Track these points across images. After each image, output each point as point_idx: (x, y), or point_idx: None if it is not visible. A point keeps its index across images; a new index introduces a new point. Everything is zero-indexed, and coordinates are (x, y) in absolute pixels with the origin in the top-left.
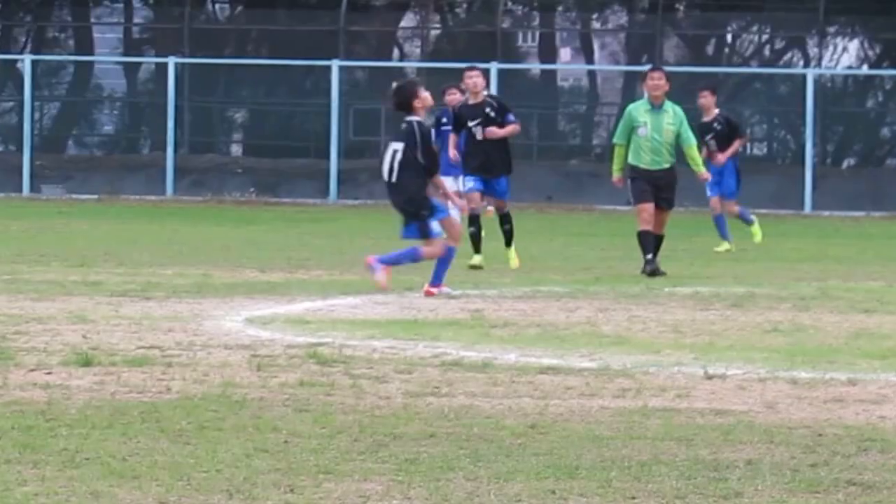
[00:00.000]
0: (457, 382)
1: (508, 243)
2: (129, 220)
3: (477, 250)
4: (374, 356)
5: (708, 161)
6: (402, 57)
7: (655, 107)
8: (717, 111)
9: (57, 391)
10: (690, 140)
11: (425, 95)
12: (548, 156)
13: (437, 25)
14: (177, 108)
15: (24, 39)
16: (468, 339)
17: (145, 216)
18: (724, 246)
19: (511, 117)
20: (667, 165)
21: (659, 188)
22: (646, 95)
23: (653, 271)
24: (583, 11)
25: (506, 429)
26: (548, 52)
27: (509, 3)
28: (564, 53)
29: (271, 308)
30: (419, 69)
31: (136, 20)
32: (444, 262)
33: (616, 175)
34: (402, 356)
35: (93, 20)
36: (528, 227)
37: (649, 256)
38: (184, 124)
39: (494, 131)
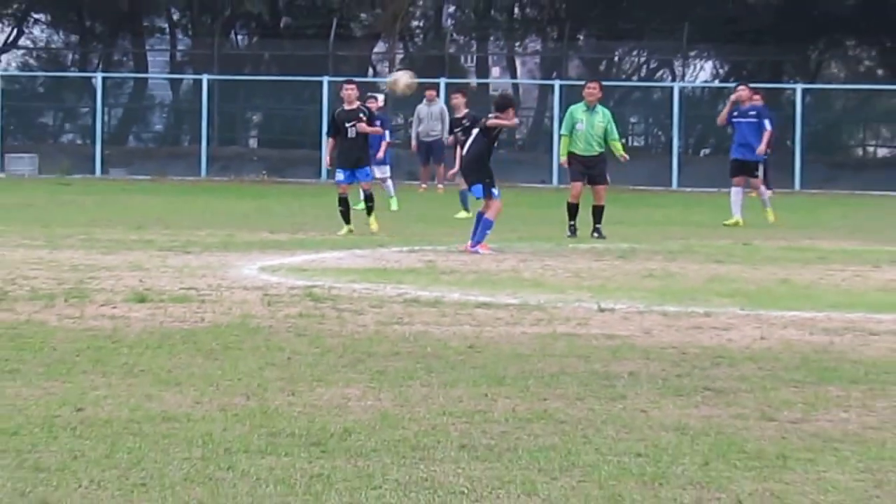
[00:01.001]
0: (415, 314)
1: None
2: (173, 195)
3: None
4: (354, 295)
5: None
6: (375, 74)
7: (590, 108)
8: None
9: (120, 321)
10: (614, 134)
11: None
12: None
13: (401, 51)
14: (209, 112)
15: (96, 62)
16: (423, 282)
17: (186, 193)
18: None
19: (377, 122)
20: (596, 153)
21: (590, 168)
22: (584, 100)
23: (573, 233)
24: (509, 39)
25: (451, 349)
26: (482, 70)
27: (454, 34)
28: (495, 71)
29: (278, 260)
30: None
31: (179, 47)
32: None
33: (563, 158)
34: (375, 295)
35: (147, 47)
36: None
37: (572, 223)
38: (214, 124)
39: (363, 128)
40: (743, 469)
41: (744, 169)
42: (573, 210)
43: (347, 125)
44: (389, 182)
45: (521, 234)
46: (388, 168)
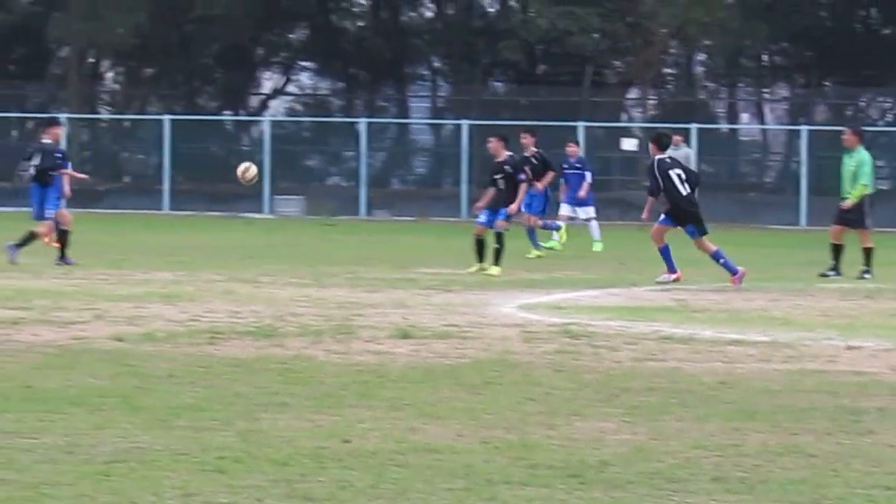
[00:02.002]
0: (668, 351)
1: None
2: (434, 235)
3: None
4: (609, 332)
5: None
6: (629, 119)
7: (849, 153)
8: (534, 150)
9: (385, 356)
10: (859, 178)
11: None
12: (732, 190)
13: (653, 97)
14: (469, 155)
15: (360, 107)
16: (676, 320)
17: (446, 233)
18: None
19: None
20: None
21: (846, 211)
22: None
23: (832, 273)
24: (757, 86)
25: (703, 384)
26: (732, 115)
27: (704, 81)
28: (744, 116)
29: (536, 298)
30: (640, 128)
31: (439, 93)
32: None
33: (849, 202)
34: (629, 332)
35: (409, 93)
36: (717, 240)
37: (833, 263)
38: (473, 167)
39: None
40: None
41: None
42: (835, 251)
43: (496, 177)
44: (594, 223)
45: (769, 273)
46: (592, 209)
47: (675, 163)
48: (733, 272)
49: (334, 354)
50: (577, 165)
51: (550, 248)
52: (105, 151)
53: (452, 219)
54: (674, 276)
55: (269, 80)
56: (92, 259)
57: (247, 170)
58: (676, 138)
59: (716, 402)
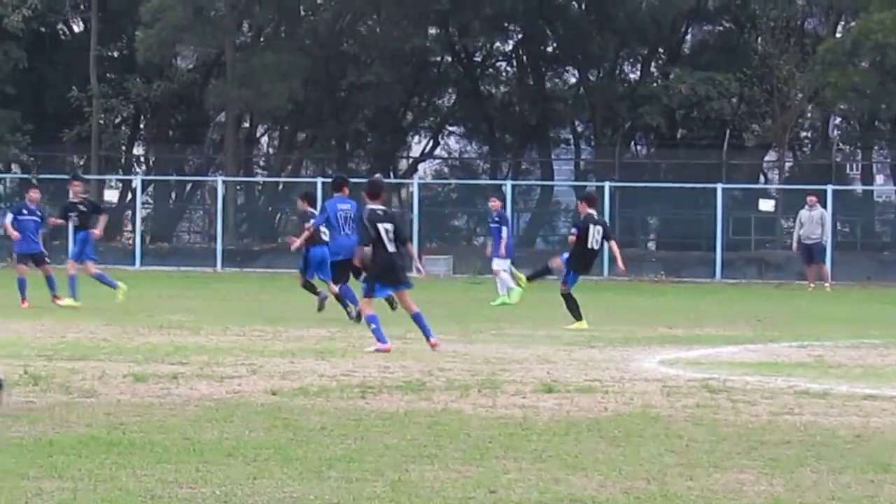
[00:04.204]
0: (805, 405)
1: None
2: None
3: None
4: (747, 387)
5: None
6: (766, 181)
7: None
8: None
9: (529, 410)
10: None
11: None
12: (867, 249)
13: (790, 159)
14: (611, 216)
15: (505, 170)
16: (812, 375)
17: (590, 291)
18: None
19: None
20: None
21: None
22: None
23: None
24: (892, 148)
25: (839, 437)
26: (867, 177)
27: (840, 143)
28: (879, 178)
29: (676, 353)
30: (777, 190)
31: (582, 156)
32: None
33: None
34: (767, 387)
35: (552, 156)
36: (853, 298)
37: None
38: (615, 229)
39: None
40: None
41: None
42: None
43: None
44: (503, 275)
45: None
46: (505, 262)
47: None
48: (381, 341)
49: (480, 408)
50: (496, 220)
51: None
52: (260, 213)
53: (595, 278)
54: None
55: (417, 144)
56: (248, 317)
57: None
58: (811, 199)
59: (851, 454)
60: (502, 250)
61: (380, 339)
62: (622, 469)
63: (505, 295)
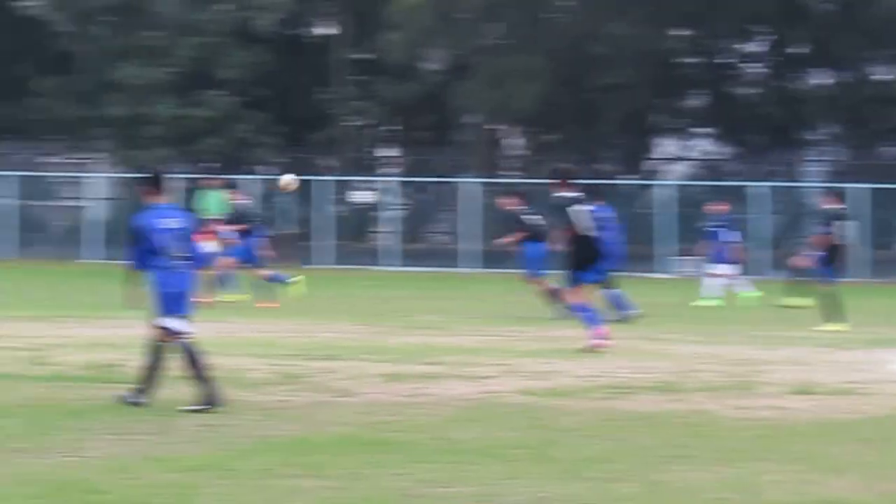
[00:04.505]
0: None
1: None
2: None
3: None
4: None
5: None
6: None
7: None
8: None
9: (784, 412)
10: None
11: None
12: None
13: None
14: (866, 219)
15: (754, 172)
16: None
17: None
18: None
19: None
20: None
21: None
22: None
23: None
24: None
25: None
26: None
27: None
28: None
29: None
30: None
31: (834, 157)
32: None
33: None
34: None
35: (802, 158)
36: None
37: None
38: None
39: None
40: None
41: None
42: None
43: None
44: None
45: None
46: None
47: None
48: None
49: (734, 409)
50: (722, 223)
51: None
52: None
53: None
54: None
55: (661, 146)
56: (499, 318)
57: (289, 184)
58: None
59: None
60: (728, 254)
61: (592, 324)
62: (877, 472)
63: (713, 298)
